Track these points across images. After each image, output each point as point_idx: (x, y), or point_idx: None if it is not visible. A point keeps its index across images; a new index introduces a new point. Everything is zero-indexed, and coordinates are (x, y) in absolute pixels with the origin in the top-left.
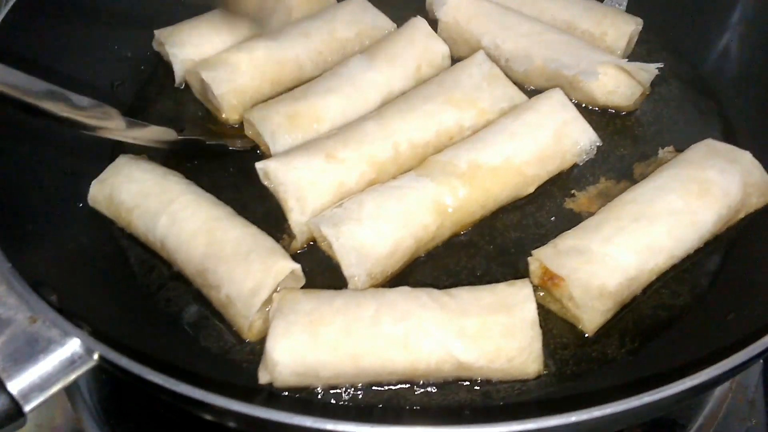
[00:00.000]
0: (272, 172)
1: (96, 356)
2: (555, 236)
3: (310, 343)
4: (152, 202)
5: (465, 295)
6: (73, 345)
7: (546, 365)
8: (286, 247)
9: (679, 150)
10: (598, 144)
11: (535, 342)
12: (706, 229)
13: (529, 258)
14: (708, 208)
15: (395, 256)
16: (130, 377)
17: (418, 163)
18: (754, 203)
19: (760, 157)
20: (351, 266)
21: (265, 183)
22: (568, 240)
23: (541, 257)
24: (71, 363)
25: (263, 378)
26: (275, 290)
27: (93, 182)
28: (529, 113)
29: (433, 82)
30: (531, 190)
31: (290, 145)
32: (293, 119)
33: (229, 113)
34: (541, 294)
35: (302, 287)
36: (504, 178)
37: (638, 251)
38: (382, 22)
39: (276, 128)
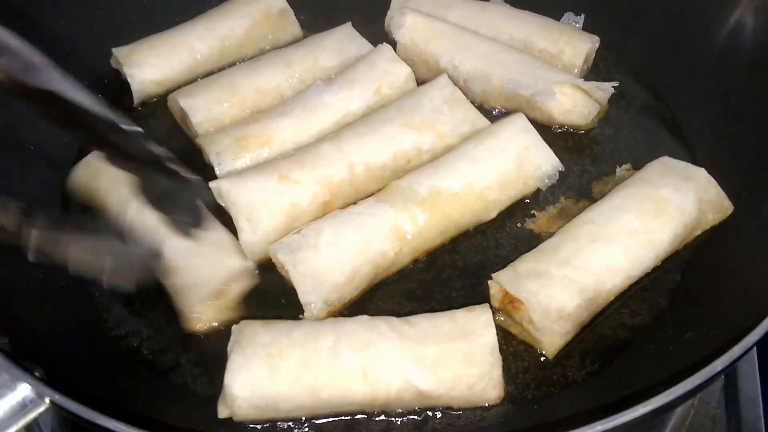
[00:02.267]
0: (224, 191)
1: (47, 400)
2: (515, 258)
3: (268, 376)
4: (124, 188)
5: (424, 323)
6: (24, 390)
7: (507, 390)
8: None
9: (636, 168)
10: (560, 169)
11: (495, 368)
12: (662, 248)
13: (489, 281)
14: (664, 227)
15: (353, 284)
16: (81, 421)
17: (376, 186)
18: (710, 220)
19: (717, 173)
20: (307, 294)
21: (220, 202)
22: (527, 263)
23: (501, 281)
24: (23, 407)
25: (222, 413)
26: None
27: (73, 168)
28: (490, 138)
29: (393, 104)
30: (493, 215)
31: (236, 168)
32: (241, 141)
33: None
34: (502, 317)
35: (261, 311)
36: (465, 203)
37: (596, 272)
38: (367, 51)
39: (223, 150)
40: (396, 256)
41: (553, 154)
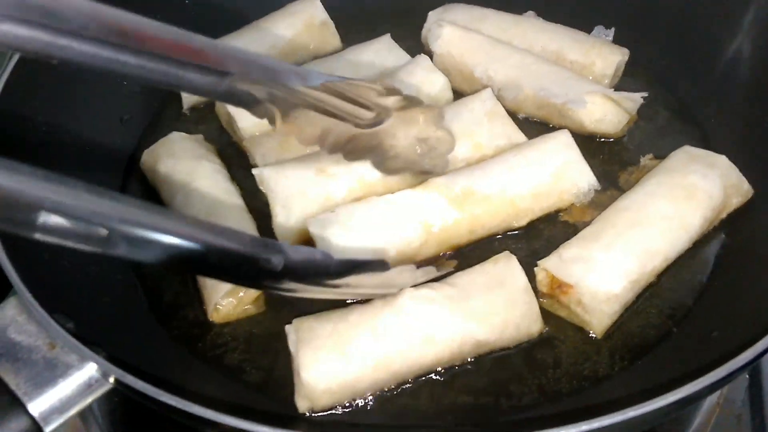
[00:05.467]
0: (265, 179)
1: (112, 379)
2: (555, 247)
3: (341, 362)
4: (177, 179)
5: (461, 281)
6: (90, 369)
7: (540, 385)
8: None
9: (658, 157)
10: (596, 188)
11: (533, 305)
12: (694, 230)
13: (535, 268)
14: (695, 211)
15: None
16: (145, 399)
17: (406, 186)
18: (734, 204)
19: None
20: None
21: (261, 188)
22: (571, 249)
23: (548, 267)
24: (88, 386)
25: (303, 407)
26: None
27: (145, 150)
28: (531, 149)
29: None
30: (523, 223)
31: None
32: (284, 144)
33: None
34: (547, 301)
35: (280, 306)
36: (495, 207)
37: (637, 255)
38: (404, 62)
39: (267, 152)
40: (421, 247)
41: (591, 172)
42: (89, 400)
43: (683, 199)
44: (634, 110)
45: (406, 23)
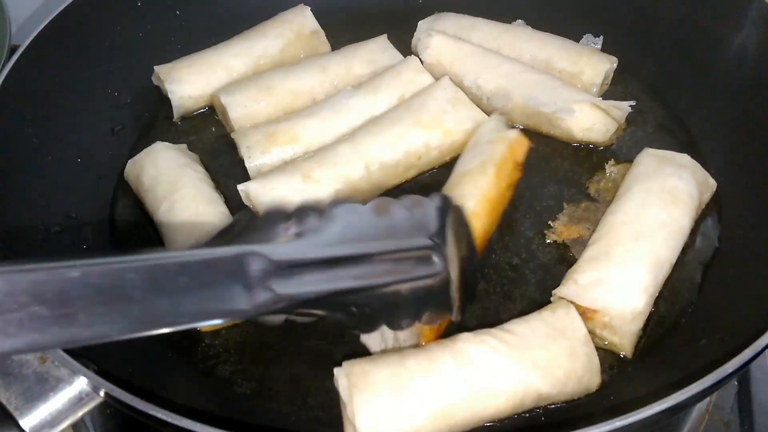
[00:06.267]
0: (253, 193)
1: (102, 393)
2: (557, 269)
3: (400, 411)
4: (161, 188)
5: (519, 328)
6: (81, 383)
7: None
8: None
9: (619, 161)
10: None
11: (593, 357)
12: (686, 233)
13: (551, 299)
14: (684, 214)
15: None
16: (135, 412)
17: (391, 181)
18: (705, 200)
19: (733, 188)
20: None
21: (247, 204)
22: (586, 273)
23: (568, 296)
24: (79, 400)
25: None
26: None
27: (129, 161)
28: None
29: (402, 105)
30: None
31: (264, 162)
32: (270, 137)
33: None
34: None
35: None
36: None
37: (650, 268)
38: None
39: (253, 144)
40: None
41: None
42: (80, 413)
43: (672, 203)
44: (623, 119)
45: (396, 32)
